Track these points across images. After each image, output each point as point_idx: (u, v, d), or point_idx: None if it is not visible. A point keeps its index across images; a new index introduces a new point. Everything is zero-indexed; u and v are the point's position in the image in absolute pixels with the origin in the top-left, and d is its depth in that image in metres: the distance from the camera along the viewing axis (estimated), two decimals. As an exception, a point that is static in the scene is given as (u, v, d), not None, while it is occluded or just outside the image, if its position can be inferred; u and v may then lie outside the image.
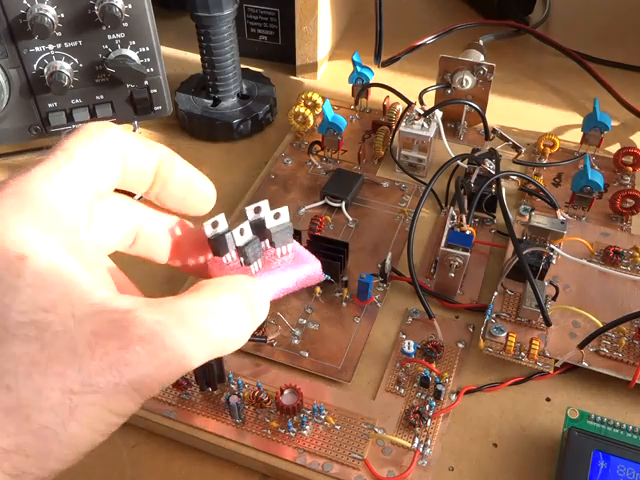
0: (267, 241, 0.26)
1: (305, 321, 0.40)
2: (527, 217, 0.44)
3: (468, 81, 0.52)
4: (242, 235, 0.25)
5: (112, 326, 0.20)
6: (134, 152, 0.25)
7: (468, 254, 0.39)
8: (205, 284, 0.23)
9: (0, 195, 0.21)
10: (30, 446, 0.18)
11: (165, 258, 0.28)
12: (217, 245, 0.26)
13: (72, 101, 0.48)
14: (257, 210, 0.26)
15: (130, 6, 0.44)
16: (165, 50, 0.52)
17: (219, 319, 0.22)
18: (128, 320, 0.20)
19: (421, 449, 0.34)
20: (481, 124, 0.51)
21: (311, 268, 0.27)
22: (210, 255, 0.27)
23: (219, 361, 0.35)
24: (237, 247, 0.25)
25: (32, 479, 0.19)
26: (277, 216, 0.26)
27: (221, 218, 0.26)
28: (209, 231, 0.26)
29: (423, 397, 0.37)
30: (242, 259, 0.26)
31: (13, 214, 0.20)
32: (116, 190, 0.26)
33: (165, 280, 0.42)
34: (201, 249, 0.28)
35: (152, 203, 0.27)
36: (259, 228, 0.26)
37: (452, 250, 0.39)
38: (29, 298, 0.19)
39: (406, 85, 0.54)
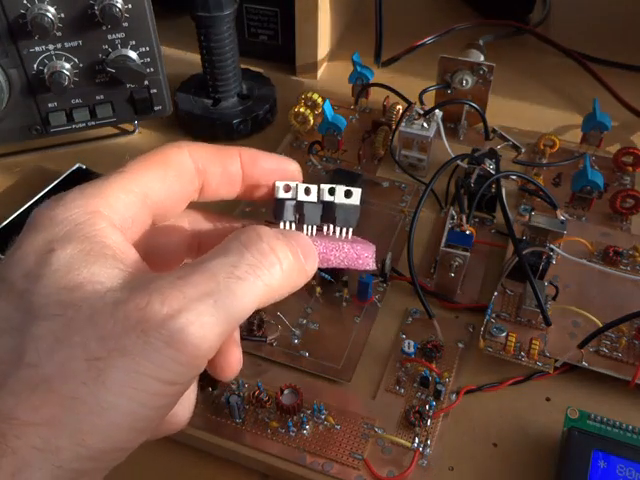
0: (331, 227, 0.25)
1: (305, 321, 0.40)
2: (527, 217, 0.44)
3: (468, 81, 0.52)
4: (306, 194, 0.24)
5: (132, 292, 0.19)
6: (213, 163, 0.25)
7: (468, 254, 0.39)
8: (233, 232, 0.22)
9: (42, 205, 0.22)
10: (59, 418, 0.18)
11: None
12: (279, 207, 0.25)
13: (72, 101, 0.48)
14: (331, 191, 0.25)
15: (130, 6, 0.44)
16: (165, 50, 0.52)
17: (248, 258, 0.21)
18: (147, 283, 0.19)
19: (421, 449, 0.34)
20: (481, 124, 0.51)
21: (363, 249, 0.25)
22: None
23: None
24: (297, 201, 0.24)
25: (70, 456, 0.18)
26: (348, 194, 0.25)
27: (294, 184, 0.25)
28: (279, 192, 0.25)
29: (423, 397, 0.37)
30: (297, 216, 0.24)
31: (48, 217, 0.21)
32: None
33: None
34: None
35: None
36: (327, 208, 0.25)
37: (452, 250, 0.39)
38: (53, 281, 0.19)
39: (406, 85, 0.54)
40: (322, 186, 0.25)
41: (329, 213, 0.25)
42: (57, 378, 0.18)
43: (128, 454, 0.20)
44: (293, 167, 0.27)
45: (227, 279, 0.20)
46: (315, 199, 0.25)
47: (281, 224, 0.25)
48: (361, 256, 0.26)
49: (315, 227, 0.25)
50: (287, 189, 0.25)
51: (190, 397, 0.25)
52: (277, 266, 0.21)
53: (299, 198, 0.24)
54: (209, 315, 0.19)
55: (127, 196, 0.23)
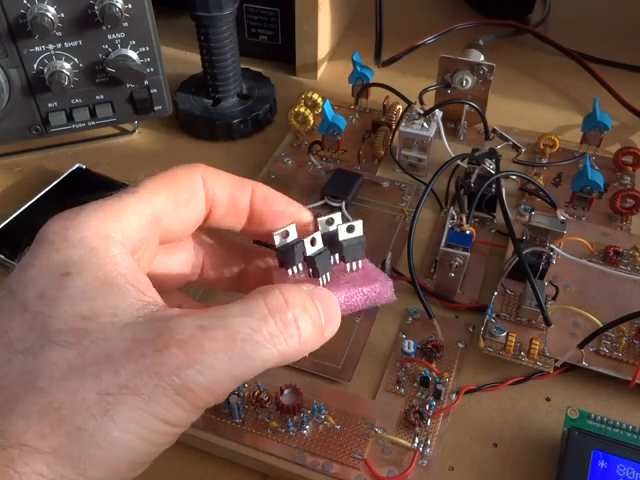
0: (337, 255, 0.25)
1: (305, 321, 0.40)
2: (527, 217, 0.44)
3: (468, 81, 0.52)
4: (313, 245, 0.24)
5: (151, 332, 0.20)
6: (224, 192, 0.25)
7: (468, 254, 0.39)
8: (259, 291, 0.22)
9: (53, 221, 0.22)
10: (66, 448, 0.18)
11: (232, 284, 0.28)
12: (285, 256, 0.25)
13: (72, 101, 0.48)
14: (329, 222, 0.25)
15: (130, 6, 0.44)
16: (165, 50, 0.52)
17: (270, 325, 0.21)
18: (168, 325, 0.20)
19: (421, 449, 0.34)
20: (481, 124, 0.51)
21: (381, 287, 0.25)
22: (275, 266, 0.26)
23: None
24: (306, 257, 0.24)
25: None
26: (351, 229, 0.25)
27: (292, 229, 0.25)
28: (278, 241, 0.25)
29: (423, 397, 0.37)
30: (310, 270, 0.25)
31: (62, 237, 0.21)
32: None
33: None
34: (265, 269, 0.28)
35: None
36: (330, 241, 0.25)
37: (452, 250, 0.39)
38: (70, 308, 0.20)
39: (406, 85, 0.54)
40: (319, 219, 0.25)
41: (334, 248, 0.25)
42: (67, 407, 0.18)
43: None
44: (305, 215, 0.27)
45: (245, 342, 0.20)
46: (321, 245, 0.25)
47: (289, 271, 0.25)
48: (381, 294, 0.26)
49: (329, 274, 0.25)
50: (285, 235, 0.25)
51: None
52: (296, 338, 0.22)
53: (308, 253, 0.24)
54: (221, 371, 0.20)
55: (139, 219, 0.23)
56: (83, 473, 0.18)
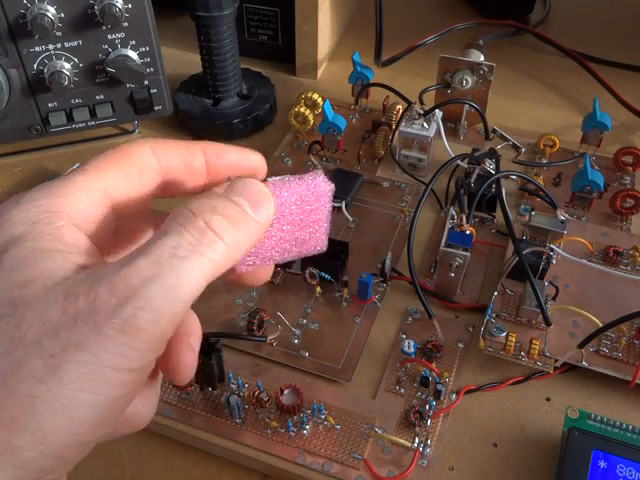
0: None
1: (305, 321, 0.40)
2: (527, 217, 0.44)
3: (468, 81, 0.52)
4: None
5: (81, 285, 0.19)
6: (176, 158, 0.25)
7: (468, 254, 0.39)
8: (170, 215, 0.22)
9: (1, 206, 0.21)
10: (18, 419, 0.18)
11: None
12: None
13: (72, 101, 0.48)
14: None
15: (130, 6, 0.44)
16: (165, 50, 0.52)
17: (186, 238, 0.20)
18: (95, 275, 0.19)
19: (421, 449, 0.34)
20: (481, 124, 0.51)
21: (311, 178, 0.24)
22: None
23: (219, 361, 0.35)
24: None
25: (31, 455, 0.18)
26: None
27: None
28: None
29: (423, 397, 0.37)
30: None
31: (4, 219, 0.21)
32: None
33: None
34: None
35: None
36: None
37: (452, 250, 0.39)
38: (6, 279, 0.19)
39: (406, 85, 0.54)
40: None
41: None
42: (14, 378, 0.18)
43: (92, 448, 0.20)
44: (256, 158, 0.27)
45: (169, 260, 0.20)
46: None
47: None
48: (311, 186, 0.24)
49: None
50: None
51: (152, 394, 0.25)
52: (218, 241, 0.21)
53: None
54: (157, 298, 0.19)
55: (89, 195, 0.22)
56: (43, 441, 0.18)
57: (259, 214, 0.23)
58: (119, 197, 0.24)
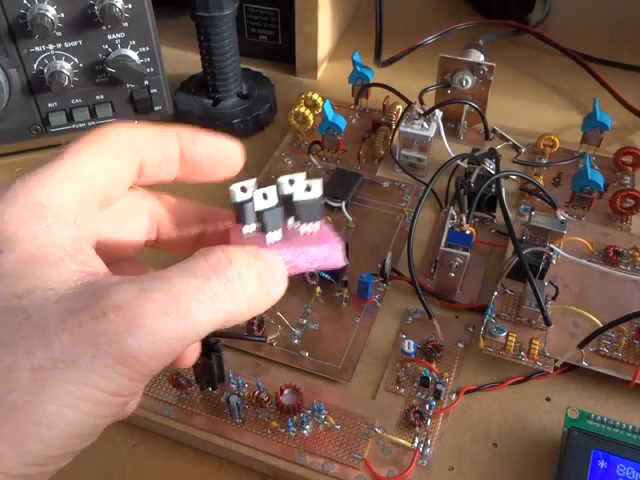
0: (294, 218, 0.24)
1: (305, 321, 0.40)
2: (527, 217, 0.44)
3: (468, 81, 0.52)
4: (265, 199, 0.23)
5: (88, 300, 0.19)
6: (151, 144, 0.24)
7: (468, 254, 0.39)
8: (201, 251, 0.21)
9: None
10: (1, 427, 0.17)
11: (190, 247, 0.27)
12: (238, 212, 0.24)
13: (72, 101, 0.48)
14: (291, 182, 0.24)
15: (130, 6, 0.45)
16: (165, 50, 0.52)
17: (213, 283, 0.20)
18: (105, 292, 0.19)
19: (421, 449, 0.34)
20: (481, 124, 0.51)
21: (330, 249, 0.24)
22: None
23: (219, 361, 0.35)
24: (255, 212, 0.23)
25: (13, 463, 0.18)
26: (308, 188, 0.23)
27: (250, 183, 0.23)
28: (235, 196, 0.23)
29: (423, 397, 0.37)
30: (259, 225, 0.23)
31: None
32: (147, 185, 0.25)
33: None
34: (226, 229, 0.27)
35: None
36: (289, 202, 0.24)
37: (452, 250, 0.39)
38: (3, 287, 0.19)
39: (406, 85, 0.54)
40: (280, 180, 0.24)
41: (291, 209, 0.24)
42: (1, 386, 0.18)
43: (75, 455, 0.20)
44: (230, 147, 0.26)
45: (189, 303, 0.19)
46: (275, 202, 0.23)
47: (245, 228, 0.24)
48: (329, 256, 0.25)
49: (280, 232, 0.24)
50: (244, 190, 0.24)
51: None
52: (241, 294, 0.21)
53: (257, 208, 0.23)
54: (164, 335, 0.19)
55: (72, 184, 0.22)
56: (25, 450, 0.18)
57: (273, 291, 0.23)
58: (100, 183, 0.23)
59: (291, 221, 0.24)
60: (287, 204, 0.24)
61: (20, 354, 0.18)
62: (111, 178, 0.23)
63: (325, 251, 0.24)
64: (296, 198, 0.23)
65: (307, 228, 0.24)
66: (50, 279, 0.19)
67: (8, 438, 0.18)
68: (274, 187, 0.23)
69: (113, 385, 0.18)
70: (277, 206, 0.23)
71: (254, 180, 0.24)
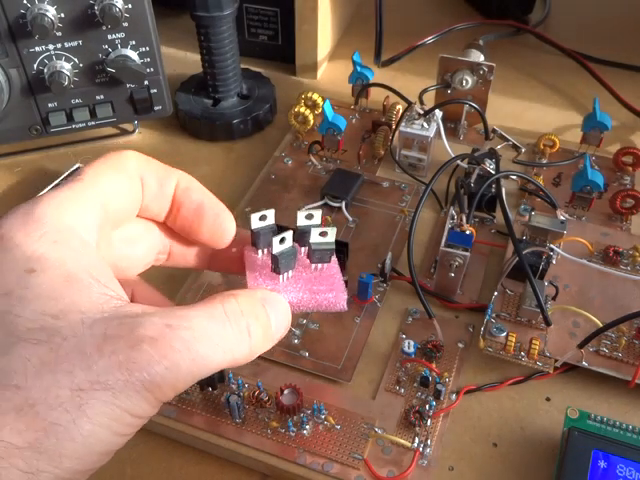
0: (306, 250, 0.26)
1: (305, 321, 0.40)
2: (527, 217, 0.44)
3: (468, 81, 0.52)
4: (281, 243, 0.25)
5: (122, 328, 0.20)
6: (153, 176, 0.26)
7: (468, 254, 0.39)
8: (218, 296, 0.23)
9: (11, 216, 0.22)
10: (42, 443, 0.19)
11: (203, 266, 0.29)
12: (257, 238, 0.26)
13: (72, 101, 0.48)
14: (309, 217, 0.26)
15: (130, 6, 0.44)
16: (165, 50, 0.52)
17: (227, 330, 0.22)
18: (138, 322, 0.20)
19: (421, 449, 0.34)
20: (481, 124, 0.51)
21: (335, 297, 0.26)
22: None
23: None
24: (272, 255, 0.25)
25: (48, 477, 0.19)
26: (324, 234, 0.26)
27: (270, 213, 0.26)
28: (254, 224, 0.26)
29: (423, 397, 0.37)
30: (273, 266, 0.25)
31: (23, 232, 0.21)
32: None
33: (165, 279, 0.42)
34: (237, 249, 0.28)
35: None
36: (302, 235, 0.26)
37: (452, 250, 0.39)
38: (38, 307, 0.20)
39: (406, 85, 0.54)
40: (298, 212, 0.26)
41: (305, 240, 0.26)
42: (42, 403, 0.19)
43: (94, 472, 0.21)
44: (222, 207, 0.27)
45: (206, 344, 0.22)
46: (289, 246, 0.25)
47: (259, 252, 0.26)
48: (333, 303, 0.26)
49: (291, 272, 0.26)
50: (263, 218, 0.26)
51: None
52: (247, 344, 0.23)
53: (273, 251, 0.25)
54: (184, 369, 0.21)
55: (92, 207, 0.23)
56: (59, 465, 0.19)
57: (277, 334, 0.25)
58: (114, 206, 0.24)
59: (303, 250, 0.26)
60: (301, 236, 0.26)
61: (61, 374, 0.19)
62: (124, 202, 0.25)
63: (331, 299, 0.26)
64: (312, 241, 0.26)
65: (318, 267, 0.27)
66: (81, 302, 0.21)
67: (47, 454, 0.19)
68: (290, 232, 0.25)
69: (138, 409, 0.20)
70: (292, 250, 0.25)
71: (273, 210, 0.26)
